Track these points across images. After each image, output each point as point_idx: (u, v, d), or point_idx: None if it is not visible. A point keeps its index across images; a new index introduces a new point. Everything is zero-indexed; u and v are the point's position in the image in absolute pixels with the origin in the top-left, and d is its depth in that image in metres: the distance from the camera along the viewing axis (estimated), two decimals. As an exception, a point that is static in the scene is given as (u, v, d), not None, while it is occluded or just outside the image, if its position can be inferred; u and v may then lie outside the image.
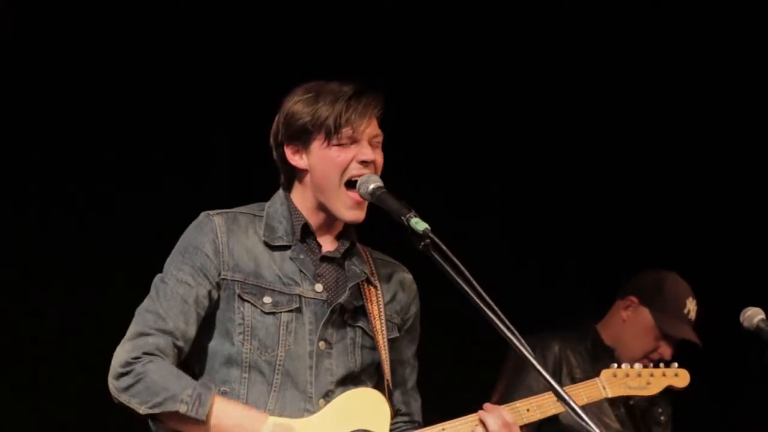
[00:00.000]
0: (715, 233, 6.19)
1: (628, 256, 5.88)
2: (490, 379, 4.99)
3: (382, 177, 3.52)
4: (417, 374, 3.74)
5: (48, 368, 5.33)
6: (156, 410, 3.33)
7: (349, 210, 3.52)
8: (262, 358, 3.46)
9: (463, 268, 3.22)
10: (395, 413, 3.63)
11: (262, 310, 3.47)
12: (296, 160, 3.55)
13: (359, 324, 3.57)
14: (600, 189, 6.19)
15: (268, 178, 3.69)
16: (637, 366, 4.06)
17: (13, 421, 5.18)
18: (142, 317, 3.44)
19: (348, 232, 3.62)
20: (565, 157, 6.20)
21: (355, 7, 5.74)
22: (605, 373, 3.99)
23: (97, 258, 5.37)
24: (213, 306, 3.48)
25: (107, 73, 5.43)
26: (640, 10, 6.06)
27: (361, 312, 3.57)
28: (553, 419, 3.81)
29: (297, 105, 3.53)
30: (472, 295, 3.20)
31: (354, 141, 3.50)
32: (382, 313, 3.59)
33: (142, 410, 3.33)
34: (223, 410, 3.35)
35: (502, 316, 3.18)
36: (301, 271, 3.52)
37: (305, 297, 3.50)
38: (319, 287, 3.52)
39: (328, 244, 3.59)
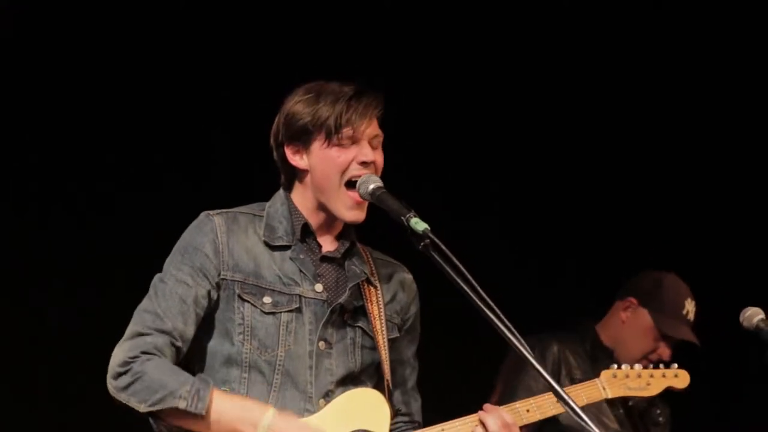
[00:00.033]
0: (714, 233, 6.19)
1: (628, 257, 5.88)
2: (490, 379, 5.00)
3: (382, 177, 3.52)
4: (417, 374, 3.74)
5: (48, 368, 5.33)
6: (156, 407, 3.32)
7: (349, 210, 3.52)
8: (261, 358, 3.46)
9: (462, 268, 3.22)
10: (395, 413, 3.63)
11: (261, 310, 3.47)
12: (296, 160, 3.55)
13: (359, 324, 3.57)
14: (600, 189, 6.19)
15: (268, 178, 3.69)
16: (637, 367, 4.06)
17: (13, 421, 5.18)
18: (140, 317, 3.44)
19: (348, 233, 3.62)
20: (564, 158, 6.20)
21: (355, 7, 5.74)
22: (605, 374, 3.99)
23: (97, 258, 5.36)
24: (212, 306, 3.48)
25: (107, 73, 5.43)
26: (640, 10, 6.06)
27: (361, 312, 3.58)
28: (553, 420, 3.82)
29: (297, 105, 3.54)
30: (472, 295, 3.20)
31: (354, 141, 3.50)
32: (382, 313, 3.59)
33: (142, 408, 3.33)
34: (223, 404, 3.35)
35: (502, 316, 3.18)
36: (301, 271, 3.53)
37: (305, 297, 3.51)
38: (319, 287, 3.52)
39: (328, 244, 3.60)
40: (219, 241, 3.49)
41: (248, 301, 3.47)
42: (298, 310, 3.49)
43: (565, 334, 5.03)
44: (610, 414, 4.88)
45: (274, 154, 3.62)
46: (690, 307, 4.99)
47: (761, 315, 3.92)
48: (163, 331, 3.40)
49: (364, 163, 3.49)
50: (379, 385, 3.58)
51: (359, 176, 3.49)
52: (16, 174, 5.38)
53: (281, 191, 3.63)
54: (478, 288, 3.20)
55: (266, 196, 3.65)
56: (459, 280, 3.21)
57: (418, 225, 3.32)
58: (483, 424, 3.52)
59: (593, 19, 6.06)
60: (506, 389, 4.83)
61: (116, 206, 5.47)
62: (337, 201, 3.52)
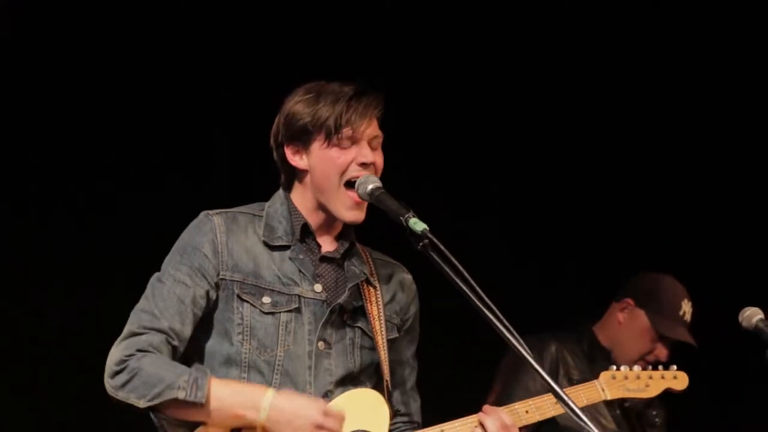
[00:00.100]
0: (714, 233, 6.19)
1: (627, 257, 5.88)
2: (489, 379, 5.00)
3: (382, 177, 3.52)
4: (416, 375, 3.74)
5: (48, 368, 5.33)
6: (155, 401, 3.32)
7: (349, 210, 3.52)
8: (261, 358, 3.46)
9: (461, 268, 3.22)
10: (394, 414, 3.63)
11: (261, 310, 3.47)
12: (296, 160, 3.56)
13: (358, 324, 3.57)
14: (600, 190, 6.19)
15: (268, 178, 3.69)
16: (636, 368, 4.05)
17: (13, 421, 5.18)
18: (136, 317, 3.44)
19: (347, 233, 3.62)
20: (564, 158, 6.20)
21: (355, 7, 5.74)
22: (604, 375, 3.98)
23: (97, 258, 5.36)
24: (211, 306, 3.48)
25: (107, 73, 5.43)
26: (640, 10, 6.05)
27: (361, 312, 3.58)
28: (552, 420, 3.81)
29: (297, 105, 3.54)
30: (471, 295, 3.20)
31: (354, 142, 3.50)
32: (381, 314, 3.59)
33: (142, 404, 3.33)
34: (222, 391, 3.34)
35: (501, 317, 3.18)
36: (300, 271, 3.53)
37: (304, 297, 3.51)
38: (318, 287, 3.52)
39: (327, 244, 3.60)
40: (218, 241, 3.49)
41: (247, 301, 3.47)
42: (298, 310, 3.49)
43: (563, 335, 5.03)
44: (608, 415, 4.88)
45: (274, 154, 3.62)
46: (687, 308, 5.00)
47: (760, 315, 3.91)
48: (159, 330, 3.40)
49: (363, 165, 3.49)
50: (378, 386, 3.58)
51: (358, 177, 3.49)
52: (16, 174, 5.38)
53: (281, 191, 3.63)
54: (477, 288, 3.20)
55: (266, 196, 3.65)
56: (458, 280, 3.21)
57: (417, 225, 3.32)
58: (482, 425, 3.52)
59: (593, 19, 6.06)
60: (504, 389, 4.83)
61: (116, 206, 5.48)
62: (336, 201, 3.52)
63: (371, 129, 3.53)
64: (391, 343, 3.62)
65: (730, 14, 6.01)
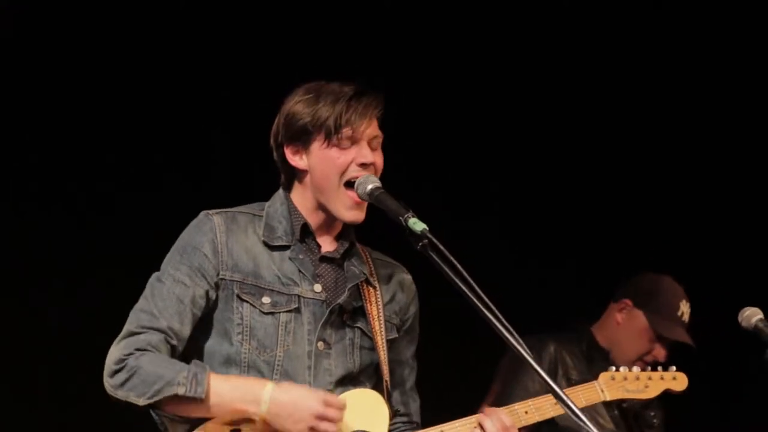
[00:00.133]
0: (714, 233, 6.19)
1: (627, 257, 5.88)
2: (488, 379, 4.99)
3: (382, 177, 3.53)
4: (416, 375, 3.74)
5: (48, 368, 5.33)
6: (155, 399, 3.32)
7: (349, 210, 3.52)
8: (260, 358, 3.46)
9: (461, 268, 3.22)
10: (394, 414, 3.63)
11: (260, 310, 3.47)
12: (296, 160, 3.56)
13: (358, 324, 3.57)
14: (599, 190, 6.19)
15: (268, 178, 3.69)
16: (636, 369, 4.06)
17: (13, 421, 5.18)
18: (135, 316, 3.44)
19: (347, 233, 3.62)
20: (564, 158, 6.20)
21: (355, 7, 5.74)
22: (603, 376, 3.98)
23: (97, 258, 5.36)
24: (211, 306, 3.48)
25: (107, 73, 5.43)
26: (640, 10, 6.05)
27: (360, 312, 3.58)
28: (551, 421, 3.81)
29: (297, 105, 3.54)
30: (470, 295, 3.20)
31: (354, 142, 3.50)
32: (381, 314, 3.59)
33: (142, 402, 3.33)
34: (221, 385, 3.35)
35: (500, 317, 3.18)
36: (300, 271, 3.53)
37: (304, 297, 3.51)
38: (318, 287, 3.52)
39: (327, 244, 3.60)
40: (218, 240, 3.49)
41: (247, 301, 3.47)
42: (297, 310, 3.49)
43: (563, 335, 5.03)
44: (606, 415, 4.88)
45: (274, 154, 3.62)
46: (685, 308, 5.00)
47: (759, 315, 3.92)
48: (157, 329, 3.40)
49: (363, 165, 3.49)
50: (377, 386, 3.58)
51: (358, 177, 3.49)
52: (16, 174, 5.38)
53: (281, 191, 3.63)
54: (477, 288, 3.20)
55: (266, 196, 3.65)
56: (457, 280, 3.21)
57: (417, 225, 3.32)
58: (482, 426, 3.52)
59: (593, 19, 6.06)
60: (503, 388, 4.83)
61: (116, 206, 5.48)
62: (336, 201, 3.52)
63: (371, 129, 3.53)
64: (391, 344, 3.62)
65: (730, 14, 6.01)
